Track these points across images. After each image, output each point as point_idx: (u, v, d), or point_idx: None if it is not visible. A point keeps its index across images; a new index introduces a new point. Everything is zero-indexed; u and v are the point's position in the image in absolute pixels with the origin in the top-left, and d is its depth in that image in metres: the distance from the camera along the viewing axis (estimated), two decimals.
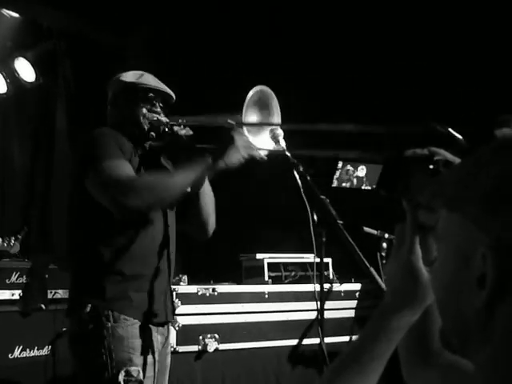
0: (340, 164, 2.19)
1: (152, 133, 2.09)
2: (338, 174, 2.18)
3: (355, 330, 3.48)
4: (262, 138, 1.99)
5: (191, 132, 2.06)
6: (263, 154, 1.97)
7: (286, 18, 4.44)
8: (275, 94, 2.01)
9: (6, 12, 4.78)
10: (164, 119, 2.09)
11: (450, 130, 1.30)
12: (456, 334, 0.75)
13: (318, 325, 1.92)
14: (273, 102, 2.02)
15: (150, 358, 1.92)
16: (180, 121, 2.06)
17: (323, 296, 1.90)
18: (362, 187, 2.29)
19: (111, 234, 1.94)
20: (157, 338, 1.98)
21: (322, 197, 1.83)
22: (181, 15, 4.56)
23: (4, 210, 5.33)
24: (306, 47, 4.41)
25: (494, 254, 0.66)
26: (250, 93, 1.93)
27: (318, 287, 2.16)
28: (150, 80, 2.14)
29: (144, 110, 2.09)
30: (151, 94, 2.11)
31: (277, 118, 2.02)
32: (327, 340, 2.79)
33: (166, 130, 2.07)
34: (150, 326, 1.96)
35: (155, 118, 2.09)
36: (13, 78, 5.01)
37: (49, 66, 5.07)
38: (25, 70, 4.98)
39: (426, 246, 0.89)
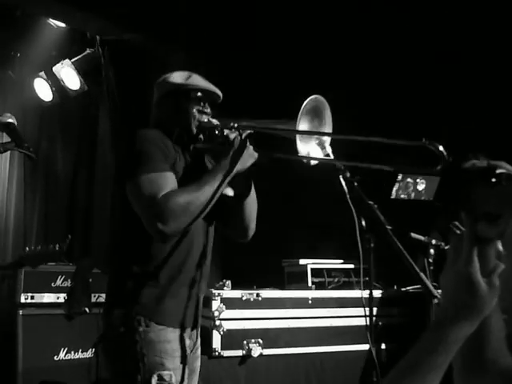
0: (400, 176, 2.18)
1: (201, 135, 2.06)
2: (397, 186, 2.17)
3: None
4: (310, 146, 1.99)
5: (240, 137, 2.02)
6: (313, 162, 1.96)
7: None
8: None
9: (51, 22, 4.90)
10: (215, 121, 2.05)
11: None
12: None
13: (368, 331, 1.89)
14: (325, 112, 1.98)
15: (180, 362, 1.93)
16: (232, 124, 2.01)
17: (372, 302, 1.88)
18: (422, 198, 2.28)
19: (149, 240, 1.92)
20: (186, 342, 1.99)
21: (370, 202, 1.82)
22: (224, 20, 4.59)
23: (48, 217, 5.45)
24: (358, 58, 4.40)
25: None
26: (306, 101, 1.90)
27: (365, 293, 2.14)
28: (199, 80, 2.10)
29: (194, 111, 2.05)
30: (200, 95, 2.07)
31: (328, 127, 2.00)
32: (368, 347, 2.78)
33: (217, 132, 2.03)
34: (180, 331, 1.97)
35: (206, 120, 2.05)
36: (58, 86, 5.13)
37: (93, 74, 5.17)
38: (70, 78, 5.09)
39: (483, 258, 0.88)
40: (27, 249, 3.13)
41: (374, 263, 1.92)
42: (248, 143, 1.95)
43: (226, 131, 2.02)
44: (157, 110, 2.14)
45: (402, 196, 2.15)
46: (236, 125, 1.99)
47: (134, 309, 1.91)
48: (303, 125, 1.92)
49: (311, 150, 1.97)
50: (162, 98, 2.11)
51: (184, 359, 1.95)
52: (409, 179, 2.31)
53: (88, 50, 5.05)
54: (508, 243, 0.82)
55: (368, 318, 2.00)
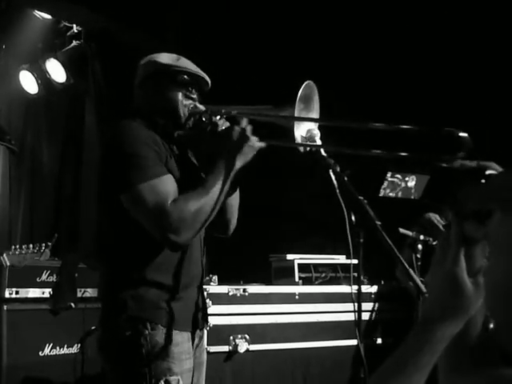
0: (389, 174, 2.17)
1: (189, 122, 1.95)
2: (385, 183, 2.16)
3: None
4: (300, 131, 1.93)
5: (228, 124, 1.93)
6: (301, 149, 1.89)
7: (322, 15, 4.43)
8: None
9: (37, 13, 4.84)
10: (201, 107, 1.96)
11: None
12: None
13: (356, 327, 1.88)
14: (315, 97, 1.93)
15: (187, 364, 1.88)
16: (223, 111, 1.93)
17: (361, 297, 1.87)
18: (411, 197, 2.27)
19: (149, 244, 1.85)
20: (195, 342, 1.95)
21: (360, 197, 1.80)
22: (211, 15, 4.57)
23: (34, 212, 5.40)
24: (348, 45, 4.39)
25: None
26: (302, 87, 1.84)
27: (352, 289, 2.13)
28: (188, 63, 1.99)
29: (180, 96, 1.94)
30: (188, 79, 1.96)
31: (316, 114, 1.96)
32: (355, 342, 2.77)
33: (204, 119, 1.95)
34: (190, 333, 1.93)
35: (192, 106, 1.95)
36: (44, 79, 5.07)
37: (79, 67, 5.12)
38: (56, 70, 5.04)
39: (470, 258, 0.88)
40: (12, 249, 3.04)
41: (362, 258, 1.91)
42: (250, 133, 1.86)
43: (214, 118, 1.93)
44: (140, 91, 2.01)
45: (390, 194, 2.15)
46: (235, 112, 1.91)
47: (138, 312, 1.84)
48: (296, 111, 1.88)
49: (302, 133, 1.93)
50: (147, 78, 1.97)
51: (190, 361, 1.89)
52: (397, 177, 2.30)
53: (74, 43, 5.00)
54: (494, 241, 0.81)
55: (357, 314, 1.99)
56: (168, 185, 1.81)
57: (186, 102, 1.96)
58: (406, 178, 2.32)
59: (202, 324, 2.01)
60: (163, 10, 4.59)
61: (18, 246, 2.98)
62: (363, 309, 3.32)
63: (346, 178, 1.80)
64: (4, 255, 2.97)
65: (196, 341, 1.97)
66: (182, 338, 1.87)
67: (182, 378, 1.83)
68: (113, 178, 1.85)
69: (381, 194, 2.17)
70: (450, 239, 0.88)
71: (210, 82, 2.04)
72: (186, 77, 1.96)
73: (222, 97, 2.04)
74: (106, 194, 1.91)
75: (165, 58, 1.99)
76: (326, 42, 4.39)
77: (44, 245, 2.91)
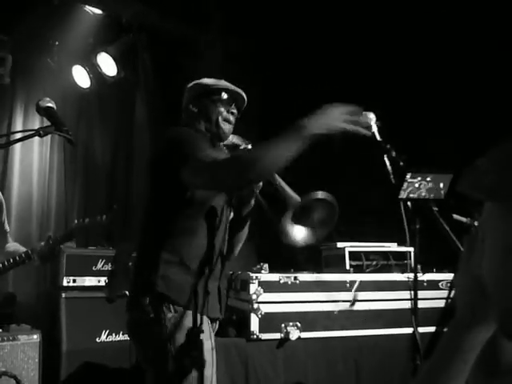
0: (408, 175, 2.13)
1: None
2: (405, 185, 2.11)
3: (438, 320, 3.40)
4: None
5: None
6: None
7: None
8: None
9: (88, 9, 4.95)
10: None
11: None
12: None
13: (412, 314, 1.87)
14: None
15: (208, 345, 1.98)
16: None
17: (417, 285, 1.85)
18: (435, 197, 2.22)
19: (183, 228, 2.01)
20: (210, 328, 2.06)
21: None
22: (260, 7, 4.57)
23: (88, 201, 5.55)
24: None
25: None
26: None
27: (409, 276, 2.11)
28: (227, 84, 2.24)
29: (222, 109, 2.20)
30: (227, 96, 2.21)
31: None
32: (408, 330, 2.75)
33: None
34: (206, 318, 2.01)
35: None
36: (95, 73, 5.19)
37: (129, 60, 5.20)
38: (107, 64, 5.14)
39: None
40: (75, 221, 3.24)
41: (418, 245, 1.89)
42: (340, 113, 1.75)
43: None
44: (187, 112, 2.25)
45: (411, 195, 2.10)
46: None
47: (163, 294, 1.96)
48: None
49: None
50: (193, 99, 2.24)
51: (211, 342, 2.01)
52: (418, 177, 2.24)
53: (124, 36, 5.08)
54: (482, 229, 0.76)
55: (413, 302, 1.97)
56: (219, 152, 2.03)
57: (226, 116, 2.20)
58: (428, 179, 2.25)
59: (221, 311, 2.15)
60: (210, 3, 4.62)
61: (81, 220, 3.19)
62: (421, 297, 3.30)
63: (401, 164, 1.78)
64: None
65: (213, 326, 2.10)
66: (203, 320, 1.96)
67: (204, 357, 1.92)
68: (172, 161, 1.97)
69: (402, 196, 2.12)
70: (477, 239, 0.82)
71: (246, 99, 2.26)
72: (225, 94, 2.21)
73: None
74: (160, 179, 2.04)
75: (208, 80, 2.25)
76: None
77: (105, 216, 3.06)
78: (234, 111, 2.22)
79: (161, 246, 2.01)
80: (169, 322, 1.93)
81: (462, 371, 0.84)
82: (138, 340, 2.05)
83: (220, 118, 2.17)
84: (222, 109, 2.19)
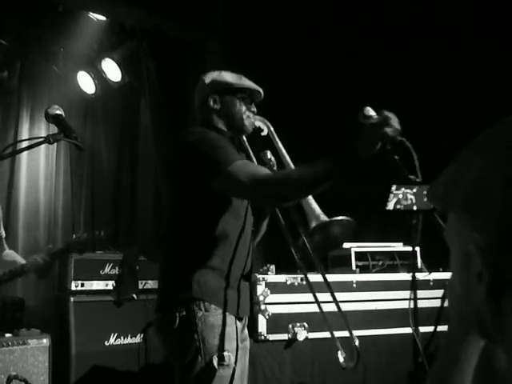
0: (394, 187, 2.14)
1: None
2: (391, 196, 2.12)
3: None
4: None
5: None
6: None
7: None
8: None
9: (92, 15, 4.99)
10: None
11: None
12: (480, 331, 0.72)
13: (412, 314, 1.89)
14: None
15: (235, 344, 2.00)
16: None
17: (416, 285, 1.87)
18: (425, 208, 2.22)
19: (215, 232, 2.02)
20: (239, 327, 2.08)
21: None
22: (262, 12, 4.59)
23: (94, 205, 5.59)
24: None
25: (481, 252, 0.64)
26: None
27: (409, 276, 2.13)
28: (247, 81, 2.23)
29: (244, 109, 2.19)
30: (249, 95, 2.21)
31: None
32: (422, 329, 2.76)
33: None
34: (236, 319, 2.04)
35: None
36: (100, 78, 5.23)
37: (133, 66, 5.24)
38: (111, 70, 5.18)
39: None
40: (74, 236, 3.22)
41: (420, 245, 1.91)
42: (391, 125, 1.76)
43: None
44: (205, 107, 2.21)
45: (398, 207, 2.09)
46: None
47: (195, 294, 1.97)
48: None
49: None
50: (214, 95, 2.19)
51: (237, 342, 2.01)
52: (403, 189, 2.24)
53: (128, 42, 5.12)
54: (450, 238, 0.75)
55: (412, 301, 1.99)
56: (252, 165, 2.02)
57: (248, 114, 2.20)
58: (414, 190, 2.25)
59: (247, 311, 2.16)
60: (213, 8, 4.65)
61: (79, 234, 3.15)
62: (427, 296, 3.32)
63: (416, 163, 1.78)
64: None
65: (240, 326, 2.09)
66: (231, 321, 2.01)
67: (232, 355, 1.95)
68: (197, 170, 1.98)
69: (389, 208, 2.11)
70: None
71: (263, 94, 2.26)
72: (247, 93, 2.21)
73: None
74: (186, 187, 2.05)
75: (229, 77, 2.22)
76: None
77: (103, 232, 3.04)
78: (255, 110, 2.23)
79: (197, 252, 2.03)
80: (199, 321, 1.95)
81: (462, 382, 0.84)
82: (166, 338, 2.05)
83: (244, 116, 2.18)
84: (245, 107, 2.19)
